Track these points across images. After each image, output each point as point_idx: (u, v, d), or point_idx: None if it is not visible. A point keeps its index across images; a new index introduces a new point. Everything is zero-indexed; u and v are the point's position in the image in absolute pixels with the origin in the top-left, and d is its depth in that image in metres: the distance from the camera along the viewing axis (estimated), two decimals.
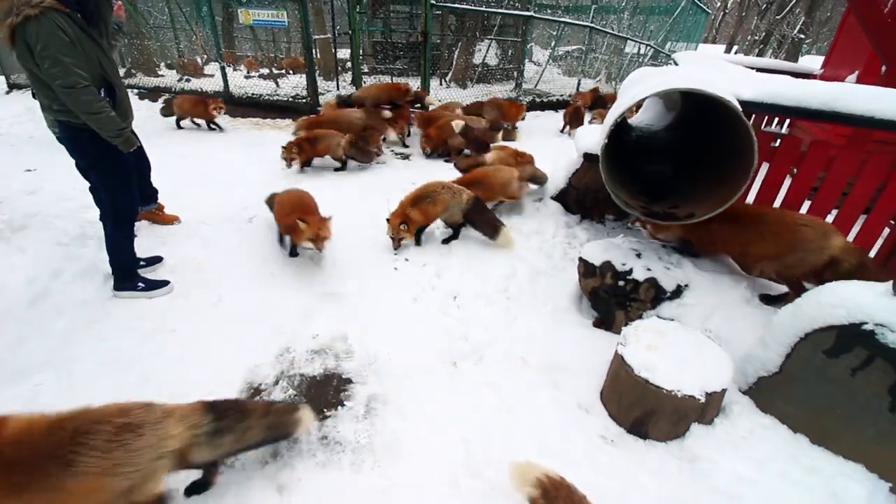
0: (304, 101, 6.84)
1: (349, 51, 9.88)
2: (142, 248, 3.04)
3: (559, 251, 3.42)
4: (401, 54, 8.65)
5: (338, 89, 7.71)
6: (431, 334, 2.66)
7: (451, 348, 2.55)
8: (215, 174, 4.77)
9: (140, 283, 2.83)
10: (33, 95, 2.58)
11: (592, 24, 9.55)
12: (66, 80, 2.20)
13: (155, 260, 3.11)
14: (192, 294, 2.85)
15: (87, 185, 3.01)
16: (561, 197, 3.97)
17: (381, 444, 2.00)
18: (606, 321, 2.72)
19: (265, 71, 8.79)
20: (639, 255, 2.68)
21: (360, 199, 4.37)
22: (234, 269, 3.15)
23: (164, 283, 2.88)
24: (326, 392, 2.26)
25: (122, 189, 2.70)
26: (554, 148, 6.29)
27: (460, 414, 2.15)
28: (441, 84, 8.28)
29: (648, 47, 12.05)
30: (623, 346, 2.10)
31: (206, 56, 10.31)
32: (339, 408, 2.17)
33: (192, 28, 10.75)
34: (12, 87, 8.77)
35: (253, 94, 7.17)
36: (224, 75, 6.95)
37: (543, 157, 4.83)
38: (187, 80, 8.07)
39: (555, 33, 11.04)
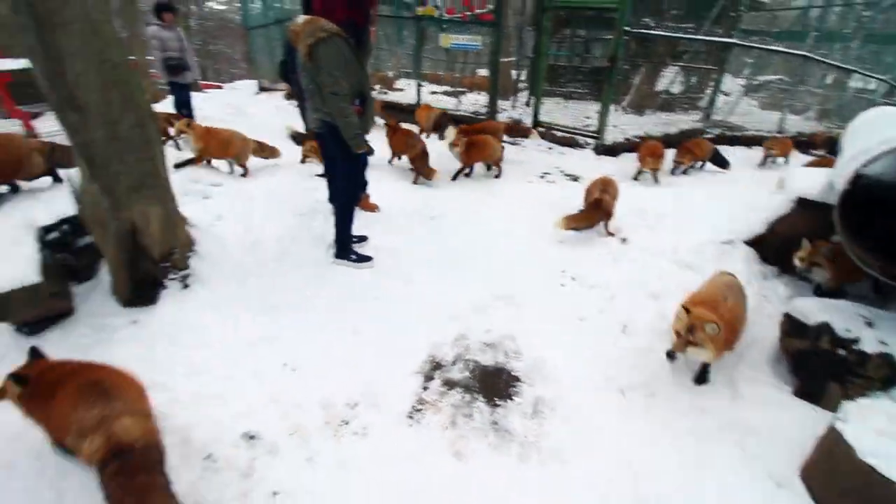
0: (483, 117, 7.37)
1: (517, 72, 10.43)
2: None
3: (752, 302, 3.07)
4: (580, 78, 8.72)
5: (513, 108, 8.14)
6: (599, 355, 2.67)
7: (618, 375, 2.53)
8: (398, 172, 5.46)
9: (352, 256, 3.44)
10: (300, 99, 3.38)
11: (809, 54, 8.26)
12: (334, 88, 2.83)
13: (362, 238, 3.74)
14: (390, 272, 3.36)
15: (317, 171, 3.78)
16: (756, 243, 3.57)
17: (547, 447, 2.11)
18: (813, 392, 2.37)
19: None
20: (870, 324, 2.28)
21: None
22: (421, 257, 3.61)
23: (369, 259, 3.46)
24: (497, 384, 2.46)
25: (354, 179, 3.35)
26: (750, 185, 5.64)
27: (629, 443, 2.13)
28: (616, 110, 8.08)
29: (882, 83, 9.87)
30: (843, 422, 1.83)
31: (398, 72, 11.89)
32: (509, 401, 2.35)
33: (390, 49, 12.49)
34: (262, 89, 11.36)
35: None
36: (418, 91, 7.96)
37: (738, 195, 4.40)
38: (384, 93, 9.41)
39: (751, 61, 9.82)
